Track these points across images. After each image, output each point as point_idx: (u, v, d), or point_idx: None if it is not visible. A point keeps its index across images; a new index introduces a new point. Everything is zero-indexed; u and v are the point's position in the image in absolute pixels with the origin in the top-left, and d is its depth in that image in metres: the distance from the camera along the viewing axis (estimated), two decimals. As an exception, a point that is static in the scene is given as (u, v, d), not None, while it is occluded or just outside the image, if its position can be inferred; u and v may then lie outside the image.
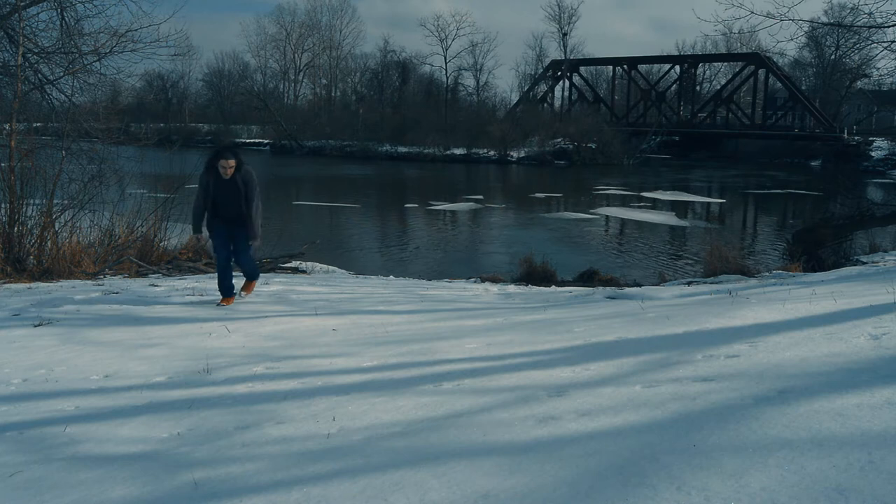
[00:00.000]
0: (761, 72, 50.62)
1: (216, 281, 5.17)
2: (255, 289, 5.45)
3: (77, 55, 8.64)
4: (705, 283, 7.36)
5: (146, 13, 8.76)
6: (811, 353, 2.25)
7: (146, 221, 8.61)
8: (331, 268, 9.62)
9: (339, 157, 44.67)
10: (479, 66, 57.95)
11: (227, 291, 5.16)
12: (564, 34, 57.86)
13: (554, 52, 60.71)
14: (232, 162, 5.02)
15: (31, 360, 3.24)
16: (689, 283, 7.45)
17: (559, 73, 57.25)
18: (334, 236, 15.21)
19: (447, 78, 56.68)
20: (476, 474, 1.50)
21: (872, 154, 42.45)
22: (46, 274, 6.88)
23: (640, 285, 7.78)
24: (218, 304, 5.03)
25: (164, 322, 4.27)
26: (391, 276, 8.79)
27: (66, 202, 7.85)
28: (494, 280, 8.37)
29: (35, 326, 4.04)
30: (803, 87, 52.80)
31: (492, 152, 44.52)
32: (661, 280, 8.80)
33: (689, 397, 1.89)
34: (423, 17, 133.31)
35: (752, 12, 8.64)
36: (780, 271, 8.06)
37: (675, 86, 55.73)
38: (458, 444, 1.73)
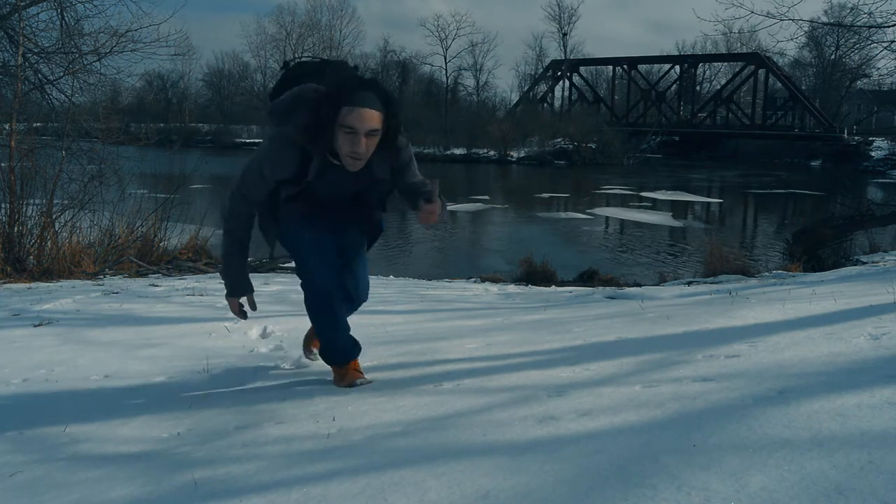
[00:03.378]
0: (761, 72, 50.64)
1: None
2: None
3: (77, 55, 8.66)
4: (705, 283, 7.35)
5: (146, 13, 8.80)
6: (811, 353, 2.25)
7: (146, 221, 8.62)
8: (331, 268, 9.59)
9: (339, 157, 44.64)
10: (478, 66, 58.08)
11: (349, 350, 2.52)
12: (564, 34, 57.91)
13: (554, 52, 60.75)
14: (376, 121, 2.13)
15: (31, 360, 3.24)
16: (689, 283, 7.45)
17: (559, 73, 57.25)
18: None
19: (447, 78, 56.76)
20: (476, 474, 1.50)
21: (872, 154, 42.48)
22: (46, 274, 6.88)
23: (640, 285, 7.78)
24: (348, 383, 2.46)
25: (164, 322, 4.26)
26: (391, 276, 8.78)
27: (66, 202, 7.86)
28: (494, 280, 8.37)
29: (35, 326, 4.04)
30: (803, 87, 52.81)
31: (492, 152, 44.54)
32: (661, 280, 8.80)
33: (689, 397, 1.89)
34: (422, 17, 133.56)
35: (752, 12, 8.66)
36: (780, 271, 8.06)
37: (675, 86, 55.74)
38: (458, 444, 1.73)
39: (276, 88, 2.45)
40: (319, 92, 2.22)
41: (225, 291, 2.48)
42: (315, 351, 2.76)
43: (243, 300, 2.47)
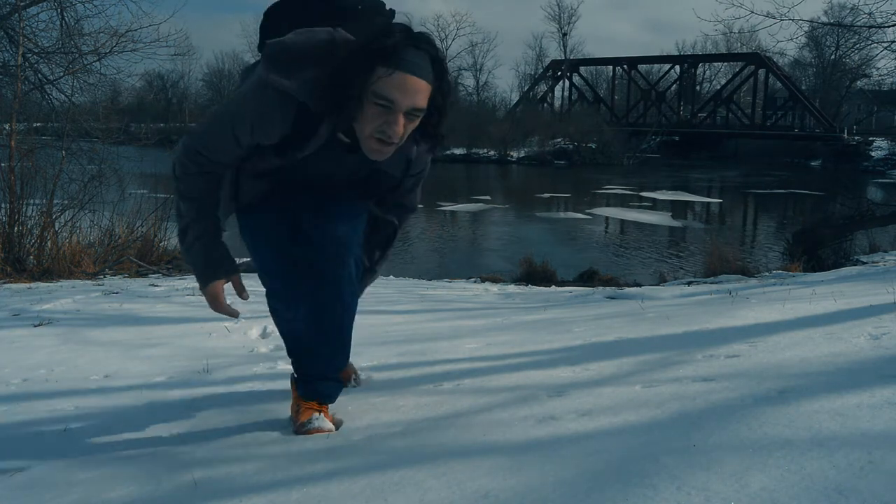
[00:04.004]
0: (761, 72, 50.65)
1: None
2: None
3: (77, 55, 8.67)
4: (705, 283, 7.36)
5: (146, 13, 8.86)
6: (811, 353, 2.25)
7: (146, 221, 8.63)
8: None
9: (339, 157, 44.58)
10: (478, 66, 58.13)
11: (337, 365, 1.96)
12: (564, 34, 57.95)
13: (554, 52, 60.80)
14: (423, 97, 1.44)
15: (31, 360, 3.24)
16: (689, 283, 7.45)
17: (559, 73, 57.24)
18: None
19: (447, 78, 56.63)
20: (476, 474, 1.50)
21: (872, 154, 42.49)
22: (46, 274, 6.88)
23: (640, 285, 7.78)
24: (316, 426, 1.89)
25: (164, 322, 4.27)
26: (391, 276, 8.78)
27: (66, 202, 7.87)
28: (494, 280, 8.38)
29: (35, 326, 4.04)
30: (803, 87, 52.80)
31: (492, 152, 44.53)
32: (661, 280, 8.80)
33: (689, 397, 1.89)
34: (422, 17, 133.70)
35: (752, 12, 8.68)
36: (780, 271, 8.06)
37: (675, 86, 55.72)
38: (458, 444, 1.73)
39: (272, 22, 1.69)
40: (345, 39, 1.49)
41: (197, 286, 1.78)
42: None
43: (227, 286, 1.78)
